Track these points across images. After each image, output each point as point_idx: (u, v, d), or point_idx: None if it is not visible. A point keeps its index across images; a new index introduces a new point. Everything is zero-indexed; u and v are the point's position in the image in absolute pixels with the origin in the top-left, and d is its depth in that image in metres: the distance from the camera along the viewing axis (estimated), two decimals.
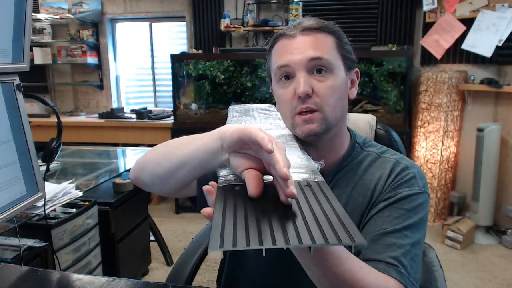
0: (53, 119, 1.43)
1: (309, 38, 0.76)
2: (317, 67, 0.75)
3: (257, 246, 0.38)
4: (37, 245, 1.42)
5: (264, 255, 0.39)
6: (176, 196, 0.85)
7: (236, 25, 3.63)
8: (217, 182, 0.55)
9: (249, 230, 0.41)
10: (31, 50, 3.86)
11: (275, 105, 0.94)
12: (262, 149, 0.49)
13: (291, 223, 0.42)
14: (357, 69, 0.84)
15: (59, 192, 1.50)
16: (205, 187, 0.54)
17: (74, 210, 1.70)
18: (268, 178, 0.52)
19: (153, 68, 4.18)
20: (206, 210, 0.51)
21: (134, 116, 3.74)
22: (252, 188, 0.49)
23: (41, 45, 4.02)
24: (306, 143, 0.76)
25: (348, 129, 0.87)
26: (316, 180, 0.53)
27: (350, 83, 0.82)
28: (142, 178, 0.76)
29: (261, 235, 0.40)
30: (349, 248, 0.58)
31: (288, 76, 0.77)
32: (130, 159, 2.61)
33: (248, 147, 0.53)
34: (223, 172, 0.57)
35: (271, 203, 0.47)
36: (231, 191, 0.51)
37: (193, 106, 3.42)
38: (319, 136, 0.76)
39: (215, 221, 0.43)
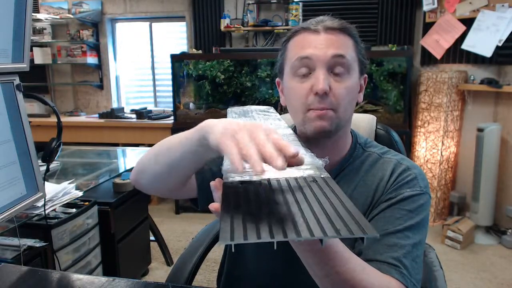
0: (53, 119, 1.43)
1: (333, 37, 0.76)
2: (337, 65, 0.75)
3: (268, 239, 0.38)
4: (37, 245, 1.42)
5: (275, 247, 0.38)
6: (178, 197, 0.85)
7: (236, 25, 3.63)
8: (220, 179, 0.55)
9: (259, 223, 0.41)
10: (31, 50, 3.85)
11: (273, 107, 0.94)
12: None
13: (301, 217, 0.42)
14: (366, 75, 0.84)
15: (59, 192, 1.50)
16: (212, 183, 0.54)
17: (74, 210, 1.69)
18: (273, 175, 0.52)
19: (153, 68, 4.17)
20: (214, 205, 0.51)
21: (134, 116, 3.74)
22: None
23: (41, 45, 4.01)
24: (310, 143, 0.76)
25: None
26: (322, 176, 0.53)
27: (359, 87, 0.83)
28: (140, 182, 0.78)
29: (272, 228, 0.40)
30: (351, 248, 0.58)
31: (306, 72, 0.76)
32: (130, 159, 2.61)
33: None
34: (226, 167, 0.57)
35: (279, 199, 0.47)
36: (237, 187, 0.51)
37: (191, 105, 3.42)
38: (328, 134, 0.76)
39: (224, 214, 0.43)
